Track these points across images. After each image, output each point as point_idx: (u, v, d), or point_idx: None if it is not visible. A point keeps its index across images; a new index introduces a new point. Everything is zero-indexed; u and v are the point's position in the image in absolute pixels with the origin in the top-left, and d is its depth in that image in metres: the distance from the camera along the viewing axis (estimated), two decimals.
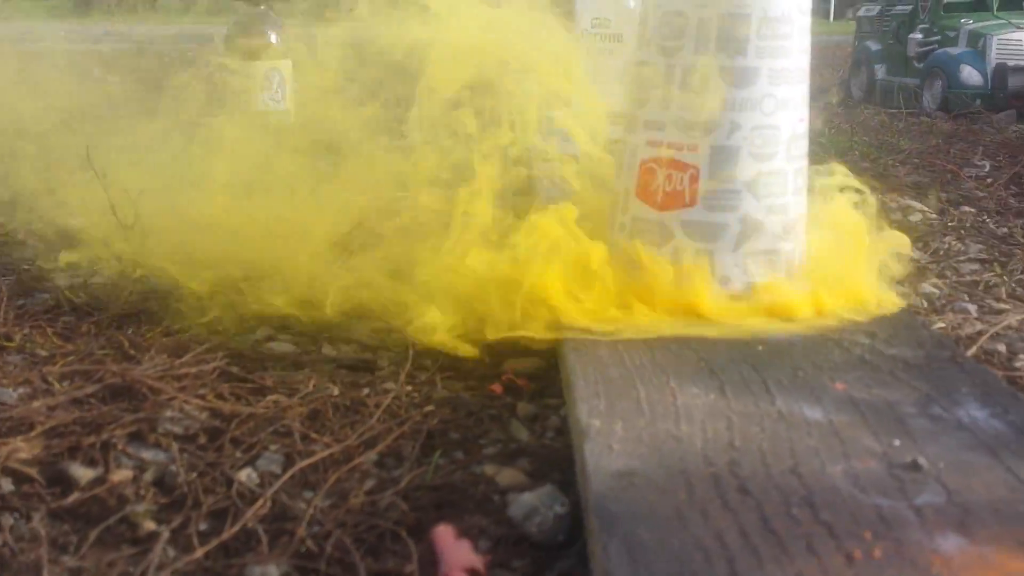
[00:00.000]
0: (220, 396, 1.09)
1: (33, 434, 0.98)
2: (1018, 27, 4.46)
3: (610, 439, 0.86)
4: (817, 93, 5.33)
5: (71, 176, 1.78)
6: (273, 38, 2.68)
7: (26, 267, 1.63)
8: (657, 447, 0.84)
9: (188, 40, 7.19)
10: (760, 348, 1.10)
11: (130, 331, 1.29)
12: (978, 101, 4.24)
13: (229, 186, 1.68)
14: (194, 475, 0.94)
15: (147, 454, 0.98)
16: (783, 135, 1.18)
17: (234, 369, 1.17)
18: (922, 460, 0.81)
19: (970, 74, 4.39)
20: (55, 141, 2.19)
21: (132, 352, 1.22)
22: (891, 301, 1.27)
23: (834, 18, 15.19)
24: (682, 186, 1.20)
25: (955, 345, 1.13)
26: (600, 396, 0.95)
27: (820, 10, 17.79)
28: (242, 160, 1.81)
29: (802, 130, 1.21)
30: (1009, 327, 1.42)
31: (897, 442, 0.85)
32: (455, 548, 0.80)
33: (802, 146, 1.22)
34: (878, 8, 5.23)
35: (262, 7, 2.71)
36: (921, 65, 4.64)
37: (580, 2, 2.08)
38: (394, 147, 1.58)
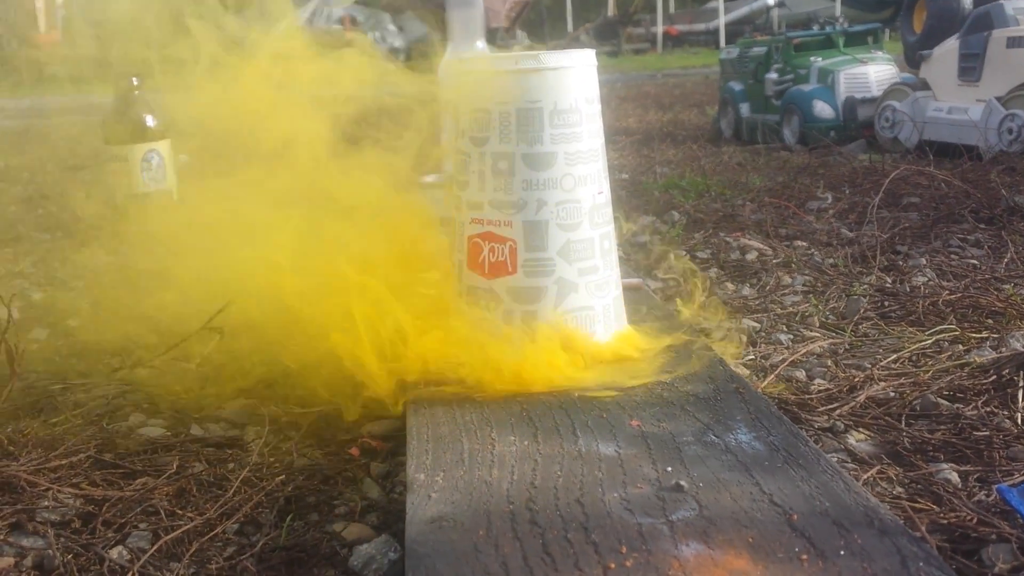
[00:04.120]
0: (92, 483, 1.20)
1: None
2: (863, 62, 4.82)
3: (431, 489, 1.00)
4: (695, 132, 5.66)
5: None
6: (149, 120, 2.77)
7: None
8: (469, 492, 0.99)
9: (77, 112, 7.18)
10: (576, 395, 1.25)
11: (9, 429, 1.38)
12: (832, 133, 4.57)
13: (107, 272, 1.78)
14: (69, 557, 1.04)
15: (26, 541, 1.08)
16: (585, 207, 1.35)
17: (106, 456, 1.28)
18: (684, 482, 0.97)
19: (823, 108, 4.71)
20: None
21: (11, 449, 1.31)
22: (701, 343, 1.44)
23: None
24: (504, 257, 1.36)
25: (743, 379, 1.30)
26: (428, 452, 1.10)
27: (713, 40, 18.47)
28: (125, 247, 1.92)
29: (602, 200, 1.38)
30: (811, 353, 1.61)
31: (669, 468, 1.01)
32: None
33: (605, 214, 1.39)
34: (737, 51, 5.57)
35: (135, 91, 2.79)
36: (779, 102, 4.96)
37: None
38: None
